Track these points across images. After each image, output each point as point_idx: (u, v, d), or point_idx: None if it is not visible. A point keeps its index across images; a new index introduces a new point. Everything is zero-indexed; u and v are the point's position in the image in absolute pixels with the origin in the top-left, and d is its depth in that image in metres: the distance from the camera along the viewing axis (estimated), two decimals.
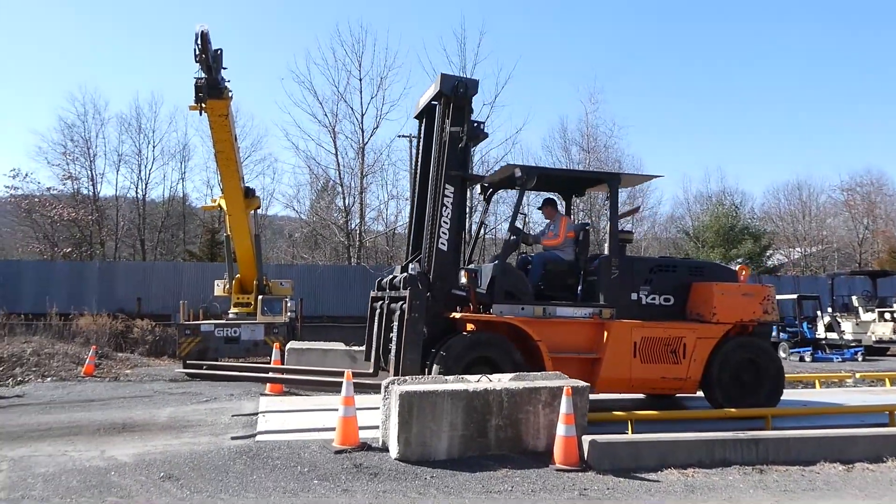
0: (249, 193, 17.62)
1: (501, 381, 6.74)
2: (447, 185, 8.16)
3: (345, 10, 74.22)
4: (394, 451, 6.22)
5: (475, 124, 8.46)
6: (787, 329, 22.26)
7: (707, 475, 6.04)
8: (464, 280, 8.12)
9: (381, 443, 6.55)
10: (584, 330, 8.33)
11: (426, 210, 8.35)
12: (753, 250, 33.88)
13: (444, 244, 8.14)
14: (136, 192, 35.12)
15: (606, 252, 8.66)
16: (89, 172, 33.13)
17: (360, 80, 29.88)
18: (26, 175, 31.46)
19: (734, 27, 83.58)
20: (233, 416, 8.38)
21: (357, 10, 76.17)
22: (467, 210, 8.97)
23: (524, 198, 8.73)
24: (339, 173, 29.54)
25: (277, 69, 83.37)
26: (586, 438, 6.25)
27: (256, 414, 8.43)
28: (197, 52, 13.05)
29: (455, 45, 56.93)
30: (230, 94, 14.30)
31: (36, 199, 31.29)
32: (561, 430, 6.16)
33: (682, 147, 79.15)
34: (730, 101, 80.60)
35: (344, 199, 29.25)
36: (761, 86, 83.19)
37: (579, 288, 8.82)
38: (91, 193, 33.02)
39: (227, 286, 18.61)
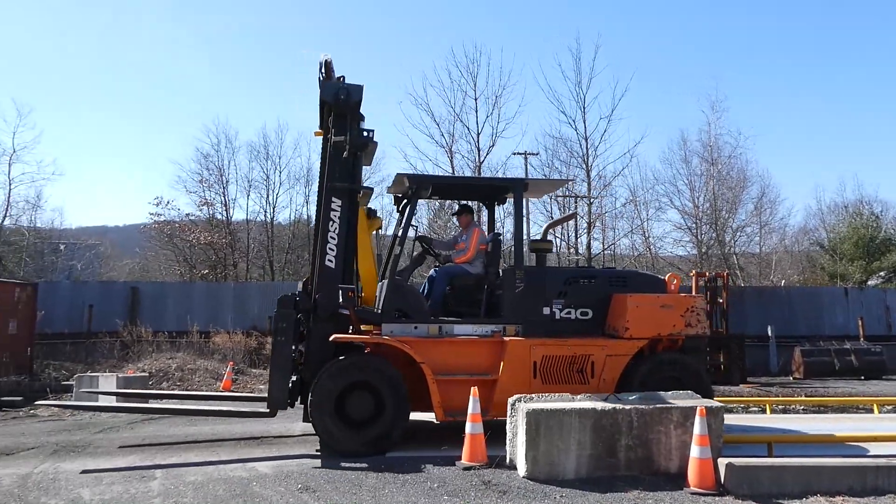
0: (371, 214, 18.06)
1: (630, 400, 6.58)
2: (333, 199, 7.75)
3: (459, 33, 75.65)
4: (521, 469, 6.21)
5: (364, 132, 7.99)
6: None
7: None
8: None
9: (508, 460, 6.55)
10: (480, 349, 7.71)
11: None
12: None
13: (332, 261, 7.69)
14: (265, 216, 37.01)
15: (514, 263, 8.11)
16: (223, 198, 35.18)
17: (476, 99, 30.12)
18: (168, 202, 33.71)
19: (861, 22, 78.38)
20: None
21: (471, 32, 77.49)
22: (412, 224, 8.33)
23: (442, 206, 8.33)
24: None
25: (395, 93, 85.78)
26: (722, 461, 5.98)
27: None
28: (321, 80, 13.64)
29: (570, 60, 56.81)
30: None
31: (176, 225, 33.48)
32: (695, 451, 5.93)
33: (813, 155, 74.81)
34: (863, 104, 75.46)
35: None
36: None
37: (486, 304, 8.22)
38: (224, 218, 35.06)
39: None
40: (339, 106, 7.78)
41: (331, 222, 7.71)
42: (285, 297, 7.63)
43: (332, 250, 7.70)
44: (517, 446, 6.36)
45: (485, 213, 9.99)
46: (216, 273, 32.84)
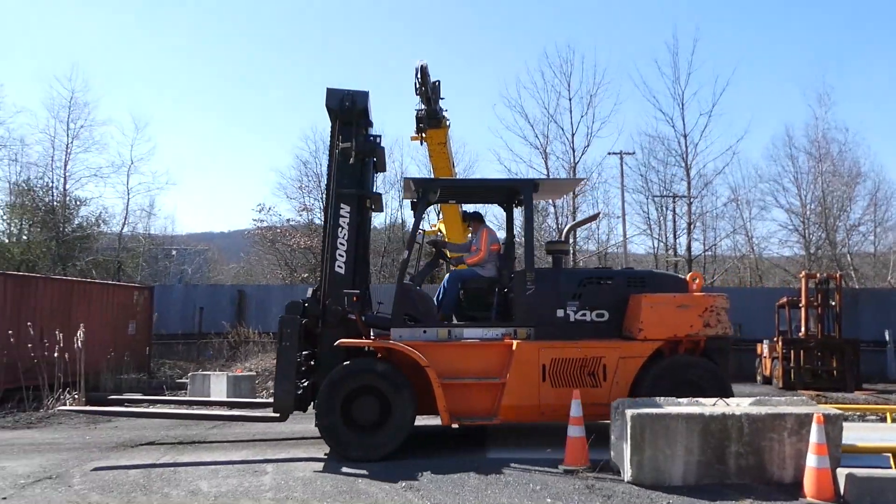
0: (466, 217, 18.21)
1: (740, 405, 6.36)
2: (342, 205, 7.75)
3: (552, 34, 75.00)
4: (626, 473, 6.10)
5: (371, 138, 7.94)
6: None
7: None
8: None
9: (611, 464, 6.46)
10: (488, 353, 7.52)
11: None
12: None
13: (341, 267, 7.68)
14: None
15: (526, 266, 7.81)
16: (321, 203, 36.31)
17: (570, 99, 29.90)
18: (269, 209, 35.13)
19: None
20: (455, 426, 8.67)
21: (564, 31, 76.61)
22: (420, 229, 8.18)
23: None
24: None
25: (489, 96, 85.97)
26: (842, 471, 5.68)
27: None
28: (417, 86, 13.89)
29: (667, 56, 55.36)
30: (448, 122, 14.99)
31: (277, 230, 34.76)
32: (811, 461, 5.66)
33: None
34: None
35: (556, 219, 29.33)
36: None
37: (499, 307, 8.04)
38: (323, 223, 36.14)
39: None
40: (345, 113, 7.82)
41: (339, 228, 7.76)
42: (293, 303, 7.67)
43: (342, 256, 7.73)
44: (621, 451, 6.25)
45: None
46: (315, 276, 33.80)
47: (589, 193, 32.08)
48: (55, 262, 27.16)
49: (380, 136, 8.24)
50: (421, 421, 7.76)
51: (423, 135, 14.73)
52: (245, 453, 7.52)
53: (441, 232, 18.21)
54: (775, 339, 17.77)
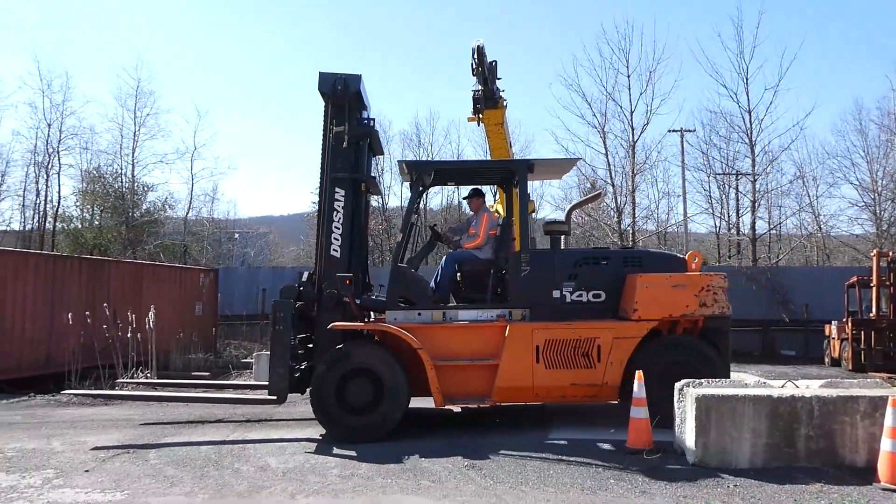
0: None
1: (810, 387, 6.21)
2: (336, 188, 7.74)
3: (610, 10, 73.46)
4: (691, 455, 6.03)
5: (365, 121, 7.85)
6: None
7: None
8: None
9: (675, 446, 6.39)
10: (484, 335, 7.47)
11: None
12: None
13: (336, 250, 7.71)
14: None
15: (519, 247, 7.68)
16: (379, 186, 36.71)
17: (628, 76, 29.21)
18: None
19: None
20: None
21: (622, 8, 74.95)
22: (414, 211, 8.12)
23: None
24: (610, 173, 29.24)
25: (545, 76, 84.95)
26: None
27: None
28: (474, 66, 13.82)
29: (730, 29, 53.65)
30: (505, 103, 14.89)
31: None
32: (886, 444, 5.47)
33: None
34: None
35: (615, 198, 28.88)
36: None
37: (495, 289, 7.96)
38: (380, 205, 36.45)
39: None
40: (338, 97, 7.79)
41: (335, 212, 7.78)
42: (288, 287, 7.75)
43: (337, 240, 7.77)
44: (685, 432, 6.18)
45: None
46: (373, 258, 34.21)
47: (648, 172, 31.51)
48: (125, 246, 28.14)
49: (373, 120, 8.25)
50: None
51: (480, 116, 14.67)
52: (310, 431, 7.71)
53: (499, 213, 18.14)
54: (844, 319, 17.20)
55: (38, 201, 32.01)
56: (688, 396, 6.13)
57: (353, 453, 6.58)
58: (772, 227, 31.04)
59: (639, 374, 6.70)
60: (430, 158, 35.59)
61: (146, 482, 5.72)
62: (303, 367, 7.74)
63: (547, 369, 7.32)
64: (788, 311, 20.78)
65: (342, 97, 7.79)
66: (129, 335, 11.88)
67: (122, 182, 30.90)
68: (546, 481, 5.67)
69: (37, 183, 31.97)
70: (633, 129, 28.84)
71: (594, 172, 31.04)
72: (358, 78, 7.85)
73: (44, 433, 7.77)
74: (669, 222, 32.95)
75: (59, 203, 31.65)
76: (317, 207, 7.78)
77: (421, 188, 8.07)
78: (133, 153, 30.93)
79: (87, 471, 6.08)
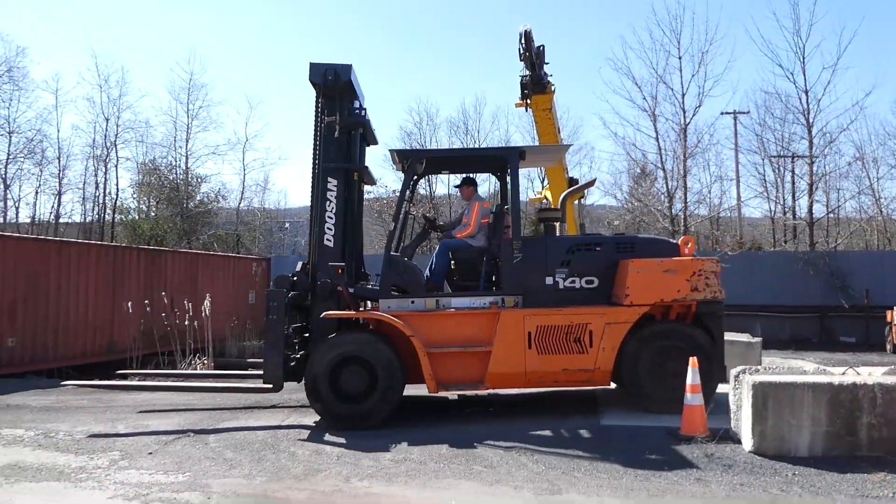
0: (573, 183, 17.98)
1: (872, 374, 6.04)
2: (329, 178, 7.77)
3: None
4: (747, 443, 5.94)
5: (357, 111, 7.83)
6: None
7: None
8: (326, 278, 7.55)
9: (730, 433, 6.30)
10: (476, 322, 7.49)
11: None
12: None
13: (330, 240, 7.74)
14: None
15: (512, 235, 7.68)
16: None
17: (680, 58, 28.49)
18: (377, 181, 35.94)
19: None
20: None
21: None
22: (405, 199, 8.10)
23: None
24: (661, 157, 28.72)
25: (594, 59, 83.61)
26: None
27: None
28: (521, 51, 13.76)
29: (786, 7, 52.06)
30: (553, 87, 14.78)
31: (384, 201, 35.49)
32: None
33: None
34: None
35: (666, 183, 28.38)
36: None
37: (490, 277, 7.95)
38: (428, 193, 36.55)
39: None
40: (329, 87, 7.79)
41: (327, 202, 7.81)
42: (281, 277, 7.83)
43: (330, 230, 7.81)
44: (741, 419, 6.08)
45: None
46: (422, 246, 34.32)
47: (700, 156, 30.84)
48: (180, 236, 28.86)
49: (365, 110, 8.26)
50: (533, 389, 7.86)
51: (528, 101, 14.61)
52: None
53: (547, 199, 18.04)
54: None
55: (97, 194, 33.11)
56: (744, 383, 6.03)
57: (405, 438, 6.66)
58: (830, 210, 30.08)
59: (693, 360, 6.61)
60: (475, 145, 35.50)
61: (206, 464, 5.90)
62: (298, 355, 7.85)
63: (539, 355, 7.38)
64: (847, 296, 20.16)
65: (333, 87, 7.82)
66: (185, 323, 12.21)
67: (176, 174, 31.70)
68: (598, 467, 5.65)
69: (96, 176, 33.07)
70: (684, 112, 28.17)
71: (644, 157, 30.53)
72: (348, 68, 7.87)
73: (109, 417, 8.06)
74: (722, 207, 32.23)
75: (116, 195, 32.69)
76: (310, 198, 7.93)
77: (414, 177, 8.14)
78: (186, 145, 31.70)
79: (150, 453, 6.30)
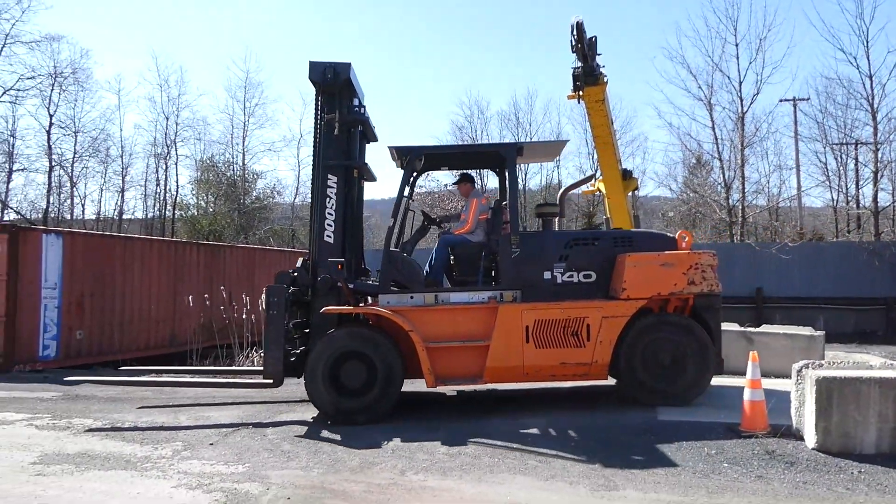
0: (627, 175, 17.66)
1: None
2: (329, 175, 7.81)
3: None
4: (810, 440, 5.77)
5: (357, 109, 7.78)
6: None
7: None
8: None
9: (793, 430, 6.13)
10: (475, 316, 7.51)
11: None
12: None
13: (330, 237, 7.78)
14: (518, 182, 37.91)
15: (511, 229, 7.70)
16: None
17: (736, 45, 27.79)
18: (427, 175, 35.99)
19: None
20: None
21: None
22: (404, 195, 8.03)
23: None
24: (717, 147, 28.08)
25: (647, 49, 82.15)
26: None
27: None
28: (573, 43, 13.57)
29: None
30: (605, 79, 14.54)
31: (435, 195, 35.55)
32: None
33: None
34: None
35: (723, 173, 27.72)
36: None
37: (489, 272, 7.98)
38: (479, 186, 36.53)
39: None
40: (328, 85, 7.81)
41: (328, 199, 7.85)
42: (282, 273, 7.84)
43: (331, 226, 7.84)
44: (804, 415, 5.91)
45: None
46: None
47: (758, 145, 30.02)
48: (237, 231, 29.53)
49: (364, 107, 8.30)
50: (585, 382, 7.80)
51: (580, 93, 14.39)
52: (419, 413, 7.87)
53: (600, 191, 17.82)
54: None
55: (158, 190, 34.12)
56: (807, 378, 5.86)
57: (459, 432, 6.68)
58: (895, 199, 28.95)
59: (753, 354, 6.47)
60: (525, 140, 35.24)
61: (265, 456, 6.03)
62: (299, 351, 7.90)
63: (537, 349, 7.42)
64: None
65: (332, 85, 7.86)
66: (243, 316, 12.48)
67: (233, 170, 32.44)
68: (656, 463, 5.58)
69: (157, 173, 34.08)
70: (741, 101, 27.46)
71: (699, 146, 29.92)
72: (347, 66, 7.91)
73: (172, 408, 8.31)
74: (781, 196, 31.33)
75: (177, 192, 33.59)
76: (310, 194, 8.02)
77: (413, 173, 8.18)
78: (243, 142, 32.43)
79: (211, 444, 6.47)
